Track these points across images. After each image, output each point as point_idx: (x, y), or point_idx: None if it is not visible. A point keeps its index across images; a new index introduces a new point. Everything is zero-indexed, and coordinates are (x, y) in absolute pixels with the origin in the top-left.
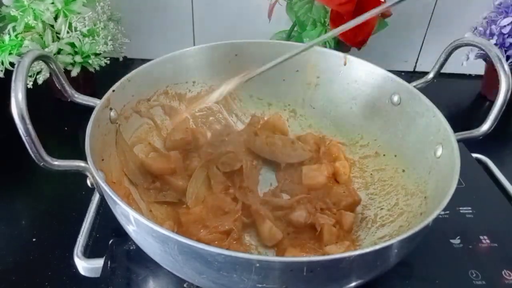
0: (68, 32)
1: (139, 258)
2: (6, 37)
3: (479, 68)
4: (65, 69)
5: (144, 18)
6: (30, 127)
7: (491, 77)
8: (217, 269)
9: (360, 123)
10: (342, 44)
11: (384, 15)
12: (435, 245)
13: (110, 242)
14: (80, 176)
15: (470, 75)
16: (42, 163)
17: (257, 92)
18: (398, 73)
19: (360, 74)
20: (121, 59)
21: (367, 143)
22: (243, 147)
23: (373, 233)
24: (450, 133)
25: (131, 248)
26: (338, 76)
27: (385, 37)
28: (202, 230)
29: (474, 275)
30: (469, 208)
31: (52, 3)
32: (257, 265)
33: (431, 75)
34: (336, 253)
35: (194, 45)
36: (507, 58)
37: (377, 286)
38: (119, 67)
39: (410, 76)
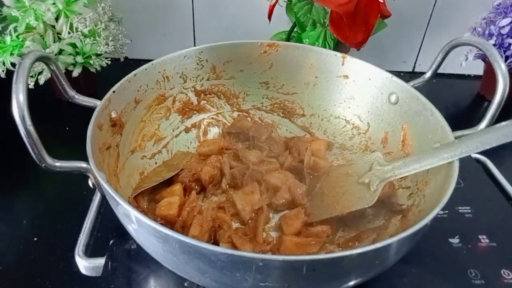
0: (69, 33)
1: (140, 257)
2: (8, 38)
3: (478, 68)
4: (66, 69)
5: (145, 19)
6: (31, 128)
7: (490, 77)
8: (220, 268)
9: (358, 122)
10: (341, 45)
11: (384, 15)
12: (434, 244)
13: (111, 241)
14: (81, 175)
15: (469, 75)
16: (43, 165)
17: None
18: (397, 73)
19: (358, 73)
20: (122, 59)
21: (366, 142)
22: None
23: None
24: (448, 132)
25: (132, 247)
26: (336, 76)
27: (385, 38)
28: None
29: (473, 274)
30: (468, 207)
31: (53, 3)
32: (260, 264)
33: (428, 74)
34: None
35: (194, 45)
36: (506, 58)
37: (377, 284)
38: (120, 67)
39: (409, 76)
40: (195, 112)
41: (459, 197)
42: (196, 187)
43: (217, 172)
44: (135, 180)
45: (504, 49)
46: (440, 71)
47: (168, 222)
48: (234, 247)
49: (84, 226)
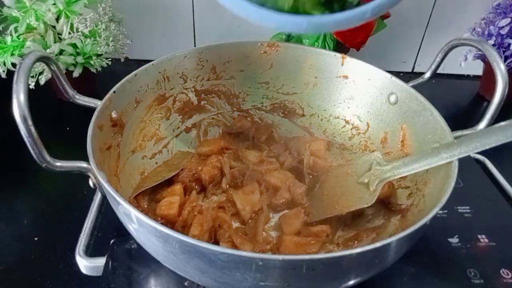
0: (69, 33)
1: (141, 257)
2: (8, 38)
3: (477, 68)
4: (67, 69)
5: (145, 19)
6: (32, 128)
7: (489, 77)
8: (220, 267)
9: (357, 122)
10: (341, 45)
11: (383, 16)
12: (433, 244)
13: (112, 241)
14: (81, 175)
15: (468, 75)
16: (44, 164)
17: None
18: (397, 74)
19: (358, 74)
20: (122, 59)
21: (365, 142)
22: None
23: None
24: (447, 132)
25: (133, 247)
26: (336, 76)
27: (384, 38)
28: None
29: (473, 274)
30: (467, 207)
31: (54, 4)
32: (260, 263)
33: (428, 75)
34: None
35: (195, 45)
36: (505, 58)
37: (376, 284)
38: (120, 67)
39: (409, 76)
40: (195, 112)
41: (458, 197)
42: (196, 187)
43: (217, 172)
44: (135, 180)
45: (504, 49)
46: (439, 71)
47: (169, 222)
48: (234, 246)
49: (85, 225)
